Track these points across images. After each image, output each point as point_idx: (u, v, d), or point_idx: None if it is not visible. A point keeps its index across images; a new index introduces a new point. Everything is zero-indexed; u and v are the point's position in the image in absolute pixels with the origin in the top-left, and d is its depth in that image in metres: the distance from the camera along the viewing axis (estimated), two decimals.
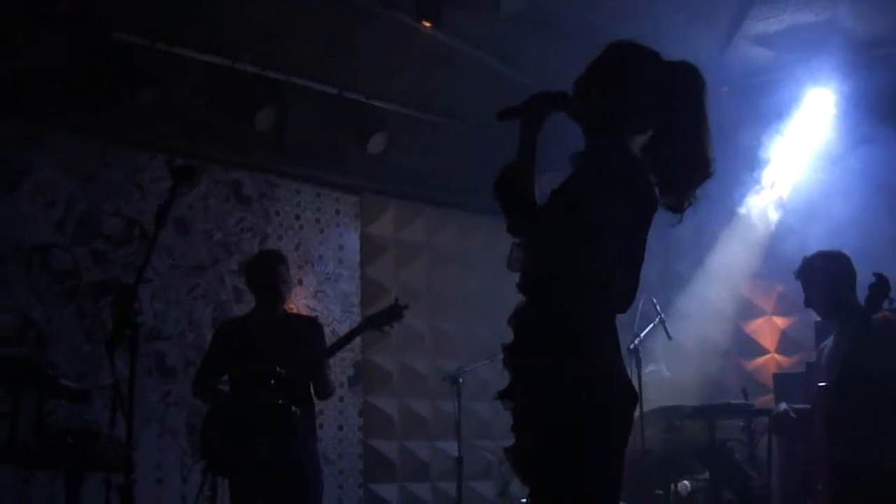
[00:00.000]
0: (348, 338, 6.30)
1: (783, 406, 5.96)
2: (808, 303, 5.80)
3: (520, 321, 3.46)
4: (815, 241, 6.47)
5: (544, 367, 3.30)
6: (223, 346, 6.39)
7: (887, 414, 5.25)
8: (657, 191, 3.47)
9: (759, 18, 7.70)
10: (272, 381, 5.91)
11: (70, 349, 7.46)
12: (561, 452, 3.23)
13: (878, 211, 8.13)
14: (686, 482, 7.44)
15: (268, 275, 6.39)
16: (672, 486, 7.35)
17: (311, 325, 6.59)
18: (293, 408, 5.95)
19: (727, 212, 9.44)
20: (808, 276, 5.77)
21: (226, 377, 6.35)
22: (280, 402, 5.91)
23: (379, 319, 6.37)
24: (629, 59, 3.58)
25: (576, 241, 3.31)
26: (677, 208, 3.53)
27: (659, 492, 7.35)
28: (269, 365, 5.96)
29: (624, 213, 3.29)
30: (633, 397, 3.39)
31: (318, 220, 9.26)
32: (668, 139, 3.49)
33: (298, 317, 6.87)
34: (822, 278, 5.68)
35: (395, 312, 6.30)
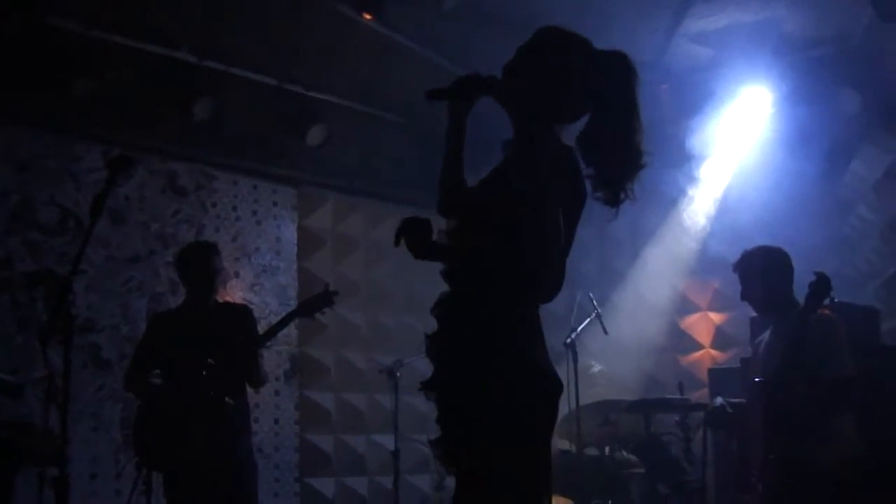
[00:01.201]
0: (280, 325, 6.26)
1: (719, 400, 6.02)
2: (745, 296, 5.85)
3: (444, 310, 3.43)
4: (750, 238, 6.54)
5: (470, 356, 3.27)
6: (154, 339, 6.34)
7: (821, 408, 5.32)
8: (590, 183, 3.42)
9: (699, 17, 7.77)
10: (203, 373, 5.86)
11: (3, 341, 7.34)
12: (488, 445, 3.20)
13: (812, 208, 8.24)
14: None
15: (200, 265, 6.35)
16: (608, 480, 7.39)
17: (242, 313, 6.55)
18: (226, 399, 5.91)
19: (663, 207, 9.52)
20: (746, 269, 5.82)
21: (158, 370, 6.29)
22: (212, 393, 5.87)
23: (310, 306, 6.35)
24: (555, 47, 3.53)
25: (505, 229, 3.27)
26: (613, 201, 3.46)
27: (595, 486, 7.39)
28: (201, 356, 5.91)
29: (552, 202, 3.21)
30: (560, 387, 3.36)
31: (255, 213, 9.20)
32: (599, 130, 3.43)
33: (229, 305, 6.80)
34: (760, 273, 5.74)
35: (326, 299, 6.29)
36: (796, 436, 5.34)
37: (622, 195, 3.46)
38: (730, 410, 5.90)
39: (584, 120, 3.50)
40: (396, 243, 3.59)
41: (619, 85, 3.46)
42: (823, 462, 5.26)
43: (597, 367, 8.61)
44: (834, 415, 5.35)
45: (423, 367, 3.44)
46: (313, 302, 6.35)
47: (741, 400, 5.90)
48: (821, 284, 5.43)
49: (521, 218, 3.21)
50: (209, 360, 5.89)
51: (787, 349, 5.44)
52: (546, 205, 3.20)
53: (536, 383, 3.28)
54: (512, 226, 3.24)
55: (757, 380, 5.68)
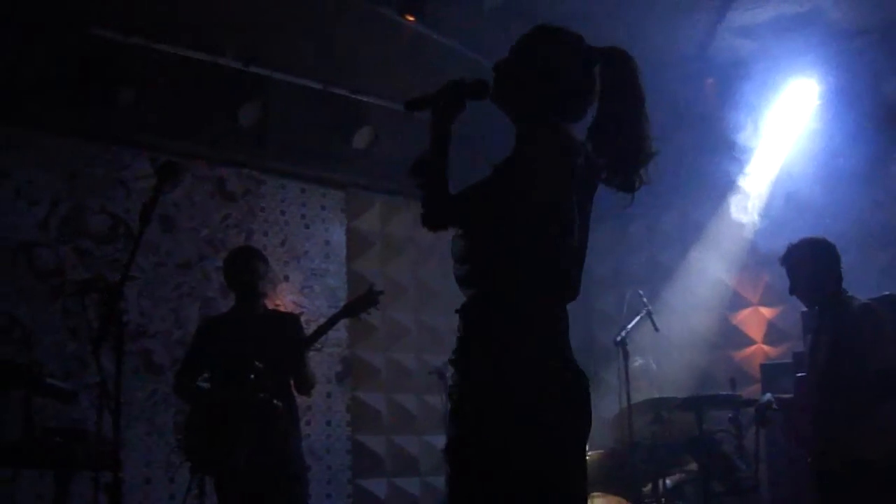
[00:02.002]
0: (326, 327, 6.27)
1: (767, 396, 6.00)
2: (793, 290, 5.80)
3: (469, 315, 3.40)
4: (800, 231, 6.46)
5: (494, 364, 3.23)
6: (204, 344, 6.38)
7: (867, 400, 5.27)
8: (604, 173, 3.42)
9: (743, 9, 7.71)
10: (251, 376, 5.89)
11: (56, 348, 7.44)
12: (519, 457, 3.14)
13: (862, 200, 8.15)
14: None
15: (242, 272, 6.39)
16: (661, 478, 7.35)
17: (289, 320, 6.59)
18: (275, 403, 5.94)
19: (712, 202, 9.45)
20: (792, 263, 5.78)
21: (206, 374, 6.33)
22: (261, 396, 5.90)
23: (355, 307, 6.37)
24: (544, 45, 3.53)
25: (510, 229, 3.25)
26: (628, 188, 3.46)
27: (647, 484, 7.35)
28: (249, 360, 5.94)
29: (557, 199, 3.20)
30: (587, 390, 3.34)
31: (303, 216, 9.25)
32: (605, 122, 3.41)
33: (278, 313, 6.87)
34: (807, 266, 5.69)
35: (371, 299, 6.30)
36: (843, 428, 5.30)
37: (637, 182, 3.45)
38: (776, 407, 5.87)
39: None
40: (419, 104, 3.60)
41: (619, 80, 3.44)
42: (870, 453, 5.22)
43: (652, 365, 8.58)
44: (879, 406, 5.28)
45: None
46: (358, 302, 6.37)
47: (789, 395, 5.87)
48: None
49: (527, 217, 3.20)
50: (257, 363, 5.91)
51: (834, 342, 5.40)
52: (550, 202, 3.19)
53: (566, 390, 3.26)
54: (517, 226, 3.23)
55: (799, 375, 5.65)
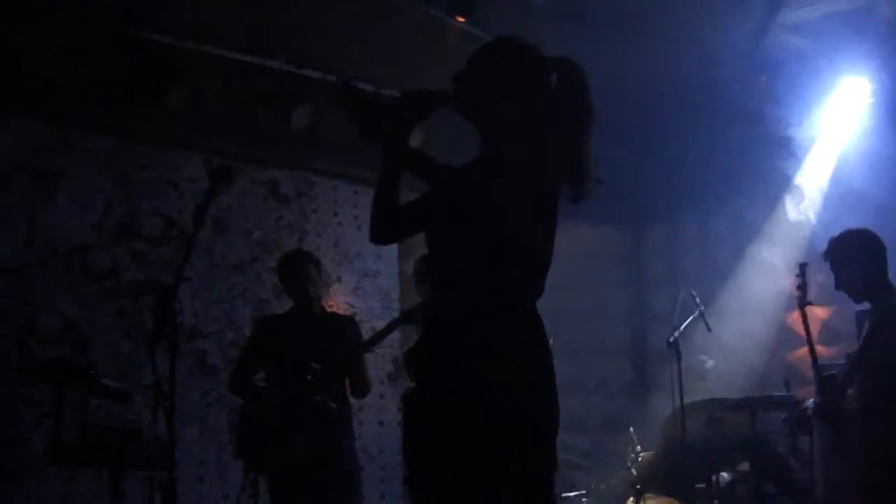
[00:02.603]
0: (384, 333, 6.30)
1: (810, 401, 5.90)
2: (839, 285, 5.62)
3: (428, 318, 3.44)
4: None
5: (448, 373, 3.21)
6: (260, 343, 6.43)
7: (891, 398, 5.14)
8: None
9: (795, 7, 7.65)
10: (308, 377, 5.92)
11: (111, 349, 7.51)
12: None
13: None
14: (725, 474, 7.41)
15: (294, 275, 6.43)
16: (714, 479, 7.30)
17: (347, 322, 6.61)
18: (330, 404, 5.97)
19: (766, 202, 9.38)
20: (836, 256, 5.60)
21: (263, 374, 6.37)
22: (318, 398, 5.92)
23: (415, 315, 6.38)
24: (501, 56, 3.56)
25: (469, 230, 3.29)
26: (575, 199, 3.43)
27: (700, 485, 7.31)
28: (306, 361, 5.97)
29: (514, 201, 3.23)
30: (552, 419, 3.25)
31: (355, 217, 9.26)
32: (548, 130, 3.39)
33: (335, 315, 6.89)
34: (850, 258, 5.53)
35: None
36: (872, 428, 5.17)
37: (583, 194, 3.42)
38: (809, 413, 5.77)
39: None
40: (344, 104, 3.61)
41: (567, 88, 3.44)
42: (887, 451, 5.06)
43: (710, 363, 8.52)
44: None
45: None
46: (417, 310, 6.38)
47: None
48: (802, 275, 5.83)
49: (484, 218, 3.24)
50: (314, 364, 5.94)
51: (868, 336, 5.30)
52: (507, 204, 3.22)
53: (522, 414, 3.15)
54: (475, 227, 3.26)
55: (823, 375, 5.55)
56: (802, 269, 6.06)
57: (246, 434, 6.15)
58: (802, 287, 6.02)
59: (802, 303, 6.00)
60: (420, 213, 3.57)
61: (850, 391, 5.45)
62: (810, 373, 8.30)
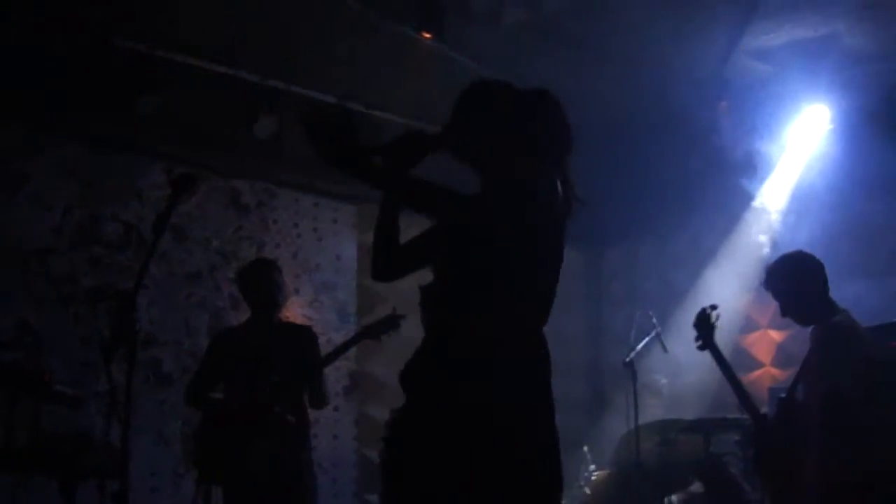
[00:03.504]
0: (344, 347, 6.30)
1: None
2: (784, 311, 5.47)
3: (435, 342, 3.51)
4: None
5: (432, 397, 3.36)
6: (218, 355, 6.37)
7: (818, 426, 5.07)
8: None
9: (759, 33, 7.73)
10: (267, 389, 5.90)
11: (66, 355, 7.44)
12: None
13: (875, 224, 8.14)
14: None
15: (262, 283, 6.38)
16: (667, 500, 7.34)
17: (305, 333, 6.56)
18: (288, 416, 5.95)
19: (724, 225, 9.46)
20: (775, 283, 5.47)
21: (220, 385, 6.34)
22: (276, 410, 5.90)
23: (376, 329, 6.37)
24: (482, 98, 3.72)
25: (467, 263, 3.40)
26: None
27: None
28: (264, 373, 5.94)
29: (512, 234, 3.35)
30: (554, 443, 3.37)
31: (315, 230, 9.26)
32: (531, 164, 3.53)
33: (293, 325, 6.86)
34: (786, 283, 5.41)
35: (391, 322, 6.31)
36: (804, 453, 5.13)
37: (570, 214, 3.61)
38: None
39: None
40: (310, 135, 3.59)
41: (546, 120, 3.62)
42: (821, 483, 4.98)
43: (663, 381, 8.59)
44: (830, 433, 5.00)
45: None
46: (378, 325, 6.37)
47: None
48: (700, 319, 5.78)
49: (489, 248, 3.34)
50: (272, 376, 5.92)
51: (803, 361, 5.30)
52: (505, 237, 3.33)
53: (508, 446, 3.22)
54: (481, 257, 3.36)
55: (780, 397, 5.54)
56: (703, 312, 6.11)
57: (203, 445, 6.11)
58: (704, 330, 6.04)
59: (702, 347, 6.05)
60: (423, 249, 3.65)
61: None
62: (763, 395, 8.40)
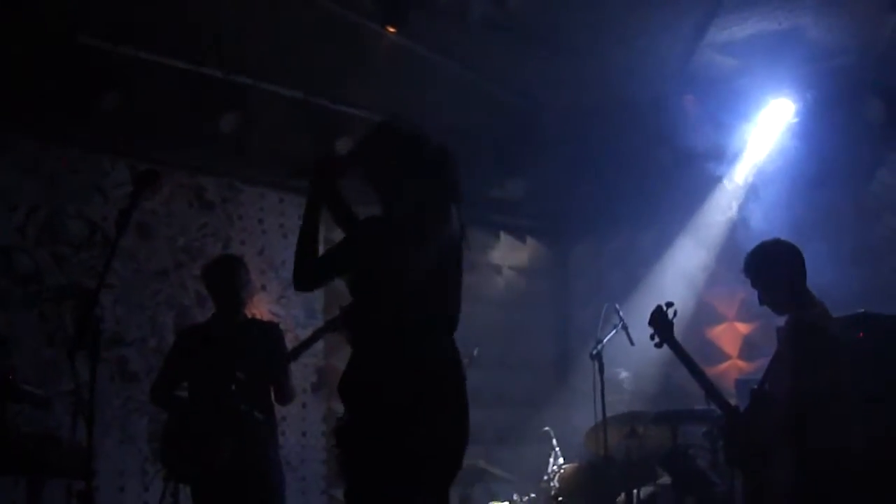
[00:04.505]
0: (309, 341, 6.28)
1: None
2: (762, 300, 5.47)
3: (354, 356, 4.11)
4: None
5: (362, 407, 3.93)
6: (183, 353, 6.34)
7: (775, 426, 5.14)
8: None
9: (724, 27, 7.76)
10: (233, 387, 5.87)
11: (31, 354, 7.39)
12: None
13: (838, 218, 8.20)
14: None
15: (226, 280, 6.35)
16: (635, 492, 7.36)
17: (271, 330, 6.54)
18: (255, 413, 5.93)
19: (688, 219, 9.51)
20: (755, 270, 5.47)
21: (186, 384, 6.30)
22: (241, 407, 5.88)
23: (339, 322, 6.35)
24: (386, 139, 4.30)
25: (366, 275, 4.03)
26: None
27: (621, 498, 7.36)
28: (230, 370, 5.92)
29: (396, 250, 3.91)
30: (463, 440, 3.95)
31: (281, 225, 9.22)
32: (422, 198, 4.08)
33: (259, 322, 6.82)
34: (769, 270, 5.41)
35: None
36: (777, 444, 5.14)
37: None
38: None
39: None
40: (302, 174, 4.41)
41: (436, 164, 4.14)
42: (795, 473, 5.01)
43: (623, 374, 8.61)
44: (784, 436, 5.07)
45: None
46: (342, 318, 6.35)
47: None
48: (656, 316, 5.89)
49: (392, 268, 3.91)
50: (238, 373, 5.90)
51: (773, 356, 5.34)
52: (408, 254, 3.88)
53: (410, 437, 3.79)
54: (386, 274, 3.96)
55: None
56: (659, 309, 6.15)
57: (170, 443, 6.08)
58: (661, 327, 6.09)
59: (658, 344, 6.13)
60: (337, 261, 4.21)
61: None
62: (730, 387, 8.44)
